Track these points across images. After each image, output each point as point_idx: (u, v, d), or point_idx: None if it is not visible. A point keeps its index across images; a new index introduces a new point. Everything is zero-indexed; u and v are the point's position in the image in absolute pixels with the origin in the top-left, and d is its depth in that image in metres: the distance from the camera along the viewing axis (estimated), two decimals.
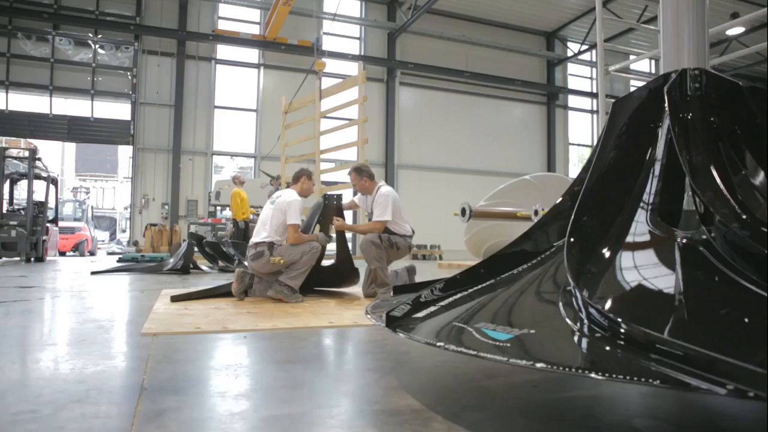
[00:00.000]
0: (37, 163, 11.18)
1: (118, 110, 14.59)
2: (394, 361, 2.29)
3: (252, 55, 15.98)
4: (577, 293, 1.41)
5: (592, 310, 1.36)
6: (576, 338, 1.29)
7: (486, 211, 7.31)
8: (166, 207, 14.50)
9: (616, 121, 2.06)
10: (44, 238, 11.00)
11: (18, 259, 10.70)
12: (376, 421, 1.53)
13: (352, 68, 17.30)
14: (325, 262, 5.00)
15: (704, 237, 1.63)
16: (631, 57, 14.60)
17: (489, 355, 1.25)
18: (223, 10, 15.81)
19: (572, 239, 1.63)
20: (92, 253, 17.42)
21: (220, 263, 8.46)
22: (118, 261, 10.66)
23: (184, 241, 9.58)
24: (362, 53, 17.24)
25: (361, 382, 1.98)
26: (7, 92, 13.40)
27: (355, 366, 2.32)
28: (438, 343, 1.39)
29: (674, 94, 2.00)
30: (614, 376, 1.05)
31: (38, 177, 11.24)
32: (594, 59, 19.85)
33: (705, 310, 1.31)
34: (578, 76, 20.63)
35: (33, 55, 13.57)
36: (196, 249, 8.25)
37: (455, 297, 1.81)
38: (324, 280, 5.01)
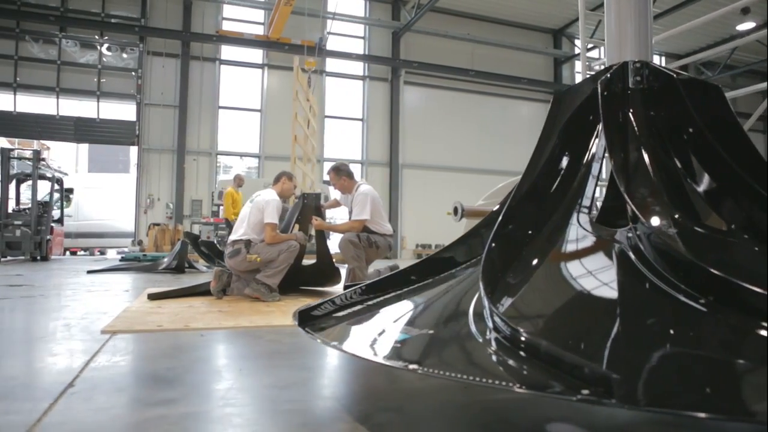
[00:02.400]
0: (42, 163, 11.34)
1: (124, 111, 14.75)
2: (335, 360, 2.26)
3: (256, 55, 16.05)
4: (485, 301, 1.36)
5: (496, 318, 1.32)
6: (469, 343, 1.25)
7: (479, 211, 7.21)
8: (171, 207, 14.62)
9: (556, 115, 2.01)
10: (49, 237, 11.15)
11: (23, 258, 10.87)
12: (280, 421, 1.50)
13: (357, 67, 17.33)
14: (307, 262, 4.99)
15: (631, 239, 1.58)
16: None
17: (366, 356, 1.21)
18: (227, 10, 15.90)
19: (494, 244, 1.58)
20: (102, 253, 17.65)
21: (217, 262, 8.50)
22: (120, 260, 10.77)
23: (178, 240, 9.64)
24: (366, 52, 17.23)
25: (288, 382, 1.95)
26: (15, 94, 13.61)
27: (291, 364, 2.29)
28: (332, 343, 1.36)
29: (613, 86, 1.95)
30: (476, 379, 1.00)
31: (43, 177, 11.41)
32: (603, 56, 19.60)
33: (608, 318, 1.26)
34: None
35: (40, 57, 13.78)
36: (193, 248, 8.30)
37: (376, 299, 1.77)
38: (306, 280, 5.00)
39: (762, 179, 1.75)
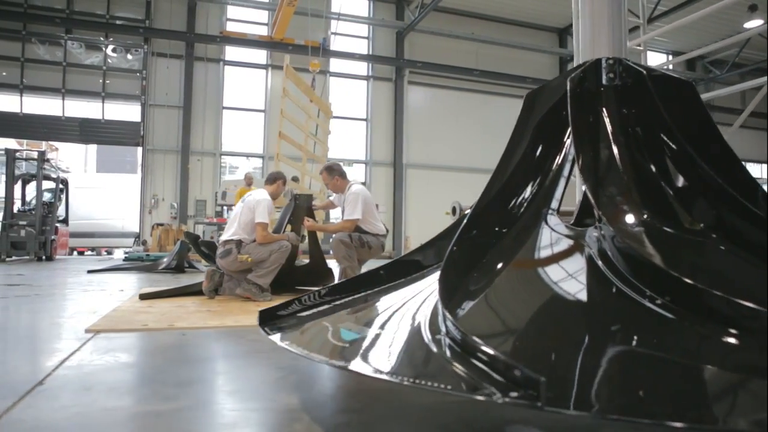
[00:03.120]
0: (48, 163, 11.44)
1: (129, 112, 14.85)
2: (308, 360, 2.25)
3: (260, 56, 16.10)
4: (439, 305, 1.34)
5: (448, 323, 1.30)
6: (419, 346, 1.23)
7: None
8: (175, 207, 14.70)
9: (529, 115, 1.98)
10: (53, 237, 11.25)
11: (27, 258, 10.97)
12: (231, 421, 1.50)
13: (361, 68, 17.33)
14: (301, 262, 4.99)
15: (595, 239, 1.55)
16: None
17: (312, 357, 1.20)
18: (231, 11, 15.96)
19: (455, 248, 1.56)
20: (110, 253, 17.78)
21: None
22: (124, 260, 10.85)
23: (176, 240, 9.69)
24: (370, 53, 17.22)
25: (256, 382, 1.95)
26: (21, 96, 13.74)
27: (265, 363, 2.29)
28: (284, 343, 1.35)
29: (586, 84, 1.92)
30: (410, 380, 0.99)
31: (48, 178, 11.51)
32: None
33: (557, 322, 1.24)
34: None
35: (46, 59, 13.91)
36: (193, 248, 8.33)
37: (340, 301, 1.76)
38: (300, 280, 5.00)
39: (732, 178, 1.73)
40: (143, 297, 4.30)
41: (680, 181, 1.65)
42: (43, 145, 22.96)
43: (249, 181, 10.89)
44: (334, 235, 4.62)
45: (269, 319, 1.66)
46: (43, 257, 10.90)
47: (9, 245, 10.54)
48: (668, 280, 1.28)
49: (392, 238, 16.47)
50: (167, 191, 14.87)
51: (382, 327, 1.38)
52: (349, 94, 17.24)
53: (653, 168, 1.67)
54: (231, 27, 15.77)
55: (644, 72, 1.88)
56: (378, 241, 4.74)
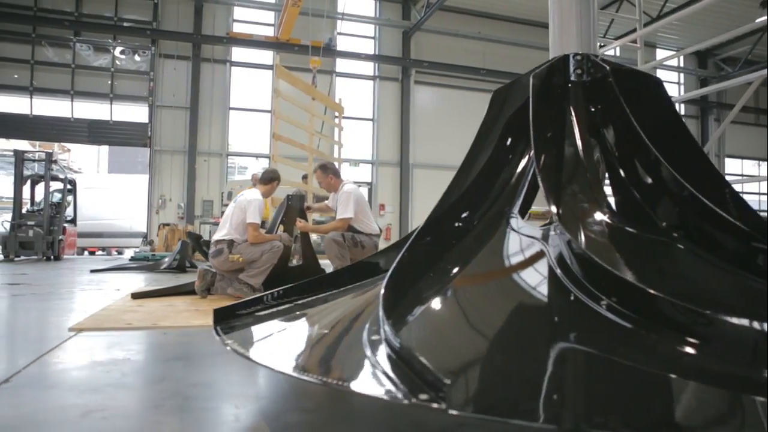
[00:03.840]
0: (55, 164, 11.58)
1: (136, 113, 14.98)
2: None
3: (266, 56, 16.15)
4: (380, 310, 1.32)
5: (386, 327, 1.28)
6: (355, 349, 1.21)
7: None
8: (182, 207, 14.81)
9: (495, 112, 1.96)
10: (61, 237, 11.37)
11: (36, 257, 11.10)
12: (176, 421, 1.49)
13: (367, 68, 17.32)
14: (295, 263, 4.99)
15: (553, 241, 1.52)
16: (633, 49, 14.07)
17: (252, 357, 1.19)
18: (238, 13, 16.03)
19: (406, 254, 1.54)
20: (120, 253, 17.95)
21: None
22: (130, 259, 10.95)
23: (179, 240, 9.76)
24: (377, 53, 17.21)
25: (219, 380, 1.94)
26: (31, 97, 13.93)
27: (234, 361, 2.28)
28: (228, 341, 1.34)
29: (553, 80, 1.89)
30: (331, 381, 0.97)
31: (55, 179, 11.64)
32: (618, 54, 19.23)
33: (489, 327, 1.21)
34: None
35: (55, 61, 14.08)
36: (195, 248, 8.37)
37: (296, 302, 1.75)
38: (294, 281, 4.99)
39: (697, 175, 1.68)
40: (135, 296, 4.33)
41: (642, 180, 1.61)
42: (56, 147, 23.31)
43: (255, 182, 10.93)
44: (326, 235, 4.61)
45: (226, 318, 1.65)
46: (51, 257, 11.02)
47: (17, 245, 10.67)
48: (615, 282, 1.25)
49: (399, 238, 16.43)
50: (174, 191, 14.97)
51: (328, 328, 1.36)
52: (356, 94, 17.23)
53: (615, 167, 1.63)
54: (237, 28, 15.84)
55: (611, 68, 1.85)
56: (371, 240, 4.72)
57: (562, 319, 1.22)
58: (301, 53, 15.48)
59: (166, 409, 1.62)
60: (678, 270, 1.45)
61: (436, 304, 1.33)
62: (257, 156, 16.41)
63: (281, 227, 4.78)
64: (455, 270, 1.45)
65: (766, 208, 20.59)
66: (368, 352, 1.10)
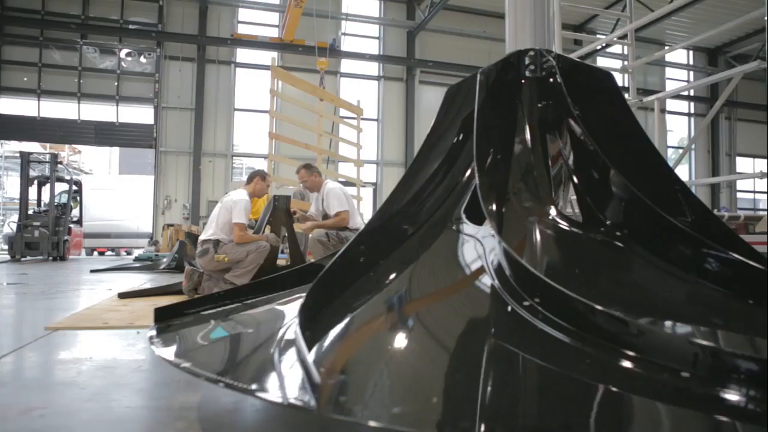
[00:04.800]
0: (60, 165, 11.71)
1: (142, 114, 15.11)
2: None
3: (271, 57, 16.20)
4: (298, 315, 1.30)
5: (297, 329, 1.26)
6: (264, 351, 1.20)
7: None
8: (187, 207, 14.92)
9: (447, 111, 1.93)
10: (66, 238, 11.51)
11: (41, 258, 11.24)
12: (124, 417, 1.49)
13: (372, 68, 17.31)
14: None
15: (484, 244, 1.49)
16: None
17: (167, 358, 1.18)
18: (243, 14, 16.12)
19: (338, 260, 1.52)
20: (129, 253, 18.12)
21: None
22: (134, 260, 11.06)
23: (178, 240, 9.81)
24: (381, 53, 17.20)
25: (167, 381, 1.94)
26: (38, 100, 14.12)
27: None
28: (153, 340, 1.33)
29: (506, 76, 1.86)
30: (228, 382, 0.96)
31: (61, 180, 11.78)
32: (625, 52, 19.04)
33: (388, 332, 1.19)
34: (609, 69, 19.83)
35: (62, 64, 14.26)
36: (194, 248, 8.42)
37: (251, 300, 1.74)
38: None
39: (645, 172, 1.65)
40: (122, 296, 4.35)
41: (588, 180, 1.58)
42: (66, 148, 23.59)
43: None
44: (311, 235, 4.61)
45: (169, 317, 1.65)
46: (56, 257, 11.15)
47: (23, 246, 10.82)
48: (538, 284, 1.22)
49: None
50: (180, 192, 15.09)
51: (256, 330, 1.35)
52: (360, 95, 17.21)
53: (558, 166, 1.60)
54: (242, 29, 15.91)
55: (564, 63, 1.81)
56: None
57: (484, 322, 1.20)
58: (305, 54, 15.54)
59: (107, 408, 1.62)
60: (614, 272, 1.41)
61: (355, 312, 1.30)
62: (264, 157, 16.45)
63: (268, 228, 4.78)
64: (387, 276, 1.43)
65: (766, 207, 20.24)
66: (276, 355, 1.09)
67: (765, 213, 16.37)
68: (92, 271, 7.71)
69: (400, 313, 1.24)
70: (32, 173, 11.99)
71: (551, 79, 1.73)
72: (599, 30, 18.93)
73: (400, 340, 1.08)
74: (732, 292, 1.34)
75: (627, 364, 1.01)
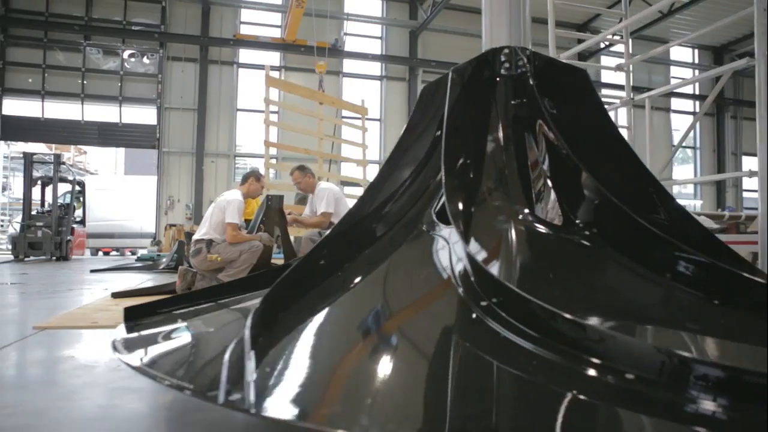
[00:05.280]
0: (63, 166, 11.79)
1: (145, 115, 15.18)
2: None
3: (274, 58, 16.23)
4: (249, 318, 1.29)
5: (247, 331, 1.25)
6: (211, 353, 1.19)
7: None
8: (190, 208, 14.97)
9: (421, 110, 1.92)
10: (69, 238, 11.57)
11: (44, 257, 11.31)
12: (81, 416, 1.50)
13: (375, 68, 17.31)
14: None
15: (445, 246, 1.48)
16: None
17: (122, 358, 1.18)
18: (245, 14, 16.15)
19: (298, 265, 1.51)
20: (133, 253, 18.21)
21: None
22: (136, 260, 11.12)
23: (177, 240, 9.85)
24: (384, 53, 17.18)
25: (142, 380, 1.94)
26: (43, 101, 14.21)
27: None
28: (114, 345, 1.33)
29: (480, 74, 1.85)
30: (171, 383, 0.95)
31: (64, 180, 11.85)
32: (632, 50, 18.91)
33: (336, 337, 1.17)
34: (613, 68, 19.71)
35: (66, 65, 14.35)
36: None
37: (224, 300, 1.74)
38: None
39: (619, 169, 1.63)
40: (115, 296, 4.37)
41: (556, 179, 1.56)
42: (72, 149, 23.74)
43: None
44: (303, 235, 4.61)
45: (140, 316, 1.65)
46: (59, 257, 11.21)
47: (26, 246, 10.89)
48: (499, 288, 1.20)
49: None
50: (182, 192, 15.15)
51: (217, 330, 1.35)
52: (363, 95, 17.20)
53: (531, 165, 1.59)
54: (244, 30, 15.94)
55: (539, 61, 1.80)
56: None
57: (443, 326, 1.19)
58: (307, 54, 15.55)
59: (81, 406, 1.62)
60: (583, 274, 1.40)
61: (312, 314, 1.29)
62: (272, 157, 16.47)
63: (261, 227, 4.79)
64: (352, 278, 1.42)
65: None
66: (226, 356, 1.08)
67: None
68: (92, 271, 7.75)
69: (357, 316, 1.23)
70: (36, 174, 12.07)
71: (526, 78, 1.71)
72: (603, 28, 18.82)
73: (350, 343, 1.07)
74: (701, 293, 1.33)
75: (588, 370, 0.99)
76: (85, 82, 14.46)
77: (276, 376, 0.88)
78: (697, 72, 20.38)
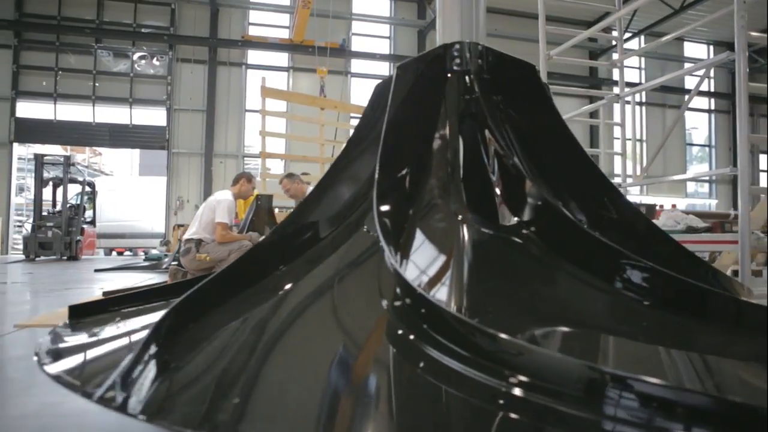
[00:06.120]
0: (73, 167, 11.97)
1: (155, 116, 15.36)
2: None
3: (282, 58, 16.32)
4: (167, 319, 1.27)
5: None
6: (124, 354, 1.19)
7: None
8: (199, 208, 15.08)
9: (372, 109, 1.89)
10: (79, 238, 11.75)
11: (54, 257, 11.50)
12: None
13: (383, 68, 17.29)
14: None
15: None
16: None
17: (41, 361, 1.18)
18: (253, 16, 16.25)
19: (226, 269, 1.50)
20: (146, 253, 18.42)
21: None
22: (144, 259, 11.26)
23: (179, 240, 9.92)
24: (392, 52, 17.16)
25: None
26: (55, 103, 14.46)
27: None
28: (40, 345, 1.33)
29: (431, 70, 1.82)
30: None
31: (74, 181, 12.04)
32: (642, 44, 18.64)
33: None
34: (626, 66, 19.45)
35: (77, 68, 14.58)
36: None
37: (170, 299, 1.73)
38: None
39: (566, 165, 1.59)
40: (106, 294, 4.41)
41: (499, 178, 1.53)
42: (86, 151, 24.08)
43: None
44: None
45: (86, 314, 1.65)
46: (69, 257, 11.39)
47: (37, 246, 11.08)
48: (419, 298, 1.18)
49: None
50: (192, 193, 15.29)
51: (141, 332, 1.34)
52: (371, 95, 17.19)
53: (472, 162, 1.55)
54: (253, 31, 16.04)
55: (490, 57, 1.77)
56: None
57: (355, 335, 1.16)
58: (315, 54, 15.58)
59: (41, 402, 1.63)
60: (518, 278, 1.37)
61: (228, 318, 1.28)
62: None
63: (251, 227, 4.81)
64: (284, 280, 1.40)
65: None
66: (130, 356, 1.08)
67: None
68: (96, 271, 7.85)
69: (275, 321, 1.22)
70: (48, 175, 12.28)
71: (477, 73, 1.68)
72: (614, 26, 18.54)
73: (248, 350, 1.05)
74: (637, 296, 1.29)
75: (513, 389, 0.94)
76: (96, 84, 14.68)
77: (155, 379, 0.87)
78: (712, 71, 20.02)
